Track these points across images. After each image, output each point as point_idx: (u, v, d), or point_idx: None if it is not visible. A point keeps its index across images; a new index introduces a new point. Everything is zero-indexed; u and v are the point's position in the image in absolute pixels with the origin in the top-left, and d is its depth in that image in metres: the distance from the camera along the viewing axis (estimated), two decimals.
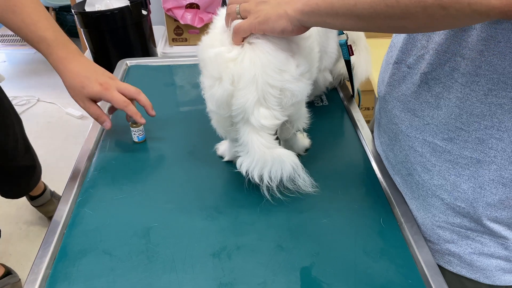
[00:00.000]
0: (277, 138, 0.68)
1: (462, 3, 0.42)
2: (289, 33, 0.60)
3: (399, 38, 0.66)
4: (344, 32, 0.84)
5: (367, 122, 0.91)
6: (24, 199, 1.72)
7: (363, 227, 0.66)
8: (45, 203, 1.73)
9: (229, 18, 0.64)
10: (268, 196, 0.66)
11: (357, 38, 0.92)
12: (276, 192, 0.65)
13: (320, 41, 0.75)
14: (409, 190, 0.68)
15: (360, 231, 0.65)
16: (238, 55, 0.62)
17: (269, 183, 0.64)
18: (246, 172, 0.64)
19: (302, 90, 0.65)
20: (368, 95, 2.04)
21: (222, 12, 0.69)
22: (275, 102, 0.63)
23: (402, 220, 0.66)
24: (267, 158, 0.63)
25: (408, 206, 0.68)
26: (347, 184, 0.74)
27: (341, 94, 1.00)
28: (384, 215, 0.67)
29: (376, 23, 0.52)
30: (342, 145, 0.85)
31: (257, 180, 0.63)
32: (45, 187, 1.74)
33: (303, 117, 0.72)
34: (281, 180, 0.64)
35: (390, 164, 0.73)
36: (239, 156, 0.65)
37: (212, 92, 0.64)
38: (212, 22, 0.71)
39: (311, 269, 0.59)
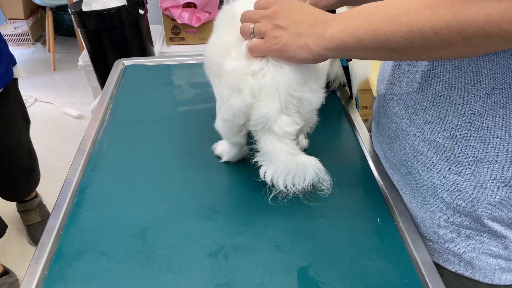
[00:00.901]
0: None
1: (506, 30, 0.41)
2: (308, 61, 0.60)
3: None
4: None
5: (365, 121, 0.90)
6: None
7: (360, 227, 0.66)
8: (28, 209, 1.72)
9: (243, 36, 0.63)
10: (283, 201, 0.68)
11: None
12: (299, 195, 0.67)
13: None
14: (408, 189, 0.67)
15: (357, 230, 0.65)
16: (260, 70, 0.62)
17: (291, 189, 0.65)
18: (271, 181, 0.65)
19: (318, 99, 0.67)
20: (366, 94, 2.04)
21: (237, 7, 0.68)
22: (294, 110, 0.64)
23: (399, 219, 0.66)
24: (292, 166, 0.64)
25: (405, 206, 0.68)
26: (344, 184, 0.74)
27: (339, 94, 1.00)
28: (381, 215, 0.67)
29: (411, 54, 0.50)
30: (339, 144, 0.85)
31: (282, 187, 0.65)
32: (36, 196, 1.74)
33: (313, 122, 0.73)
34: (303, 185, 0.65)
35: (389, 162, 0.73)
36: (261, 165, 0.66)
37: (231, 104, 0.64)
38: (216, 18, 0.71)
39: (308, 269, 0.59)
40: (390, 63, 0.68)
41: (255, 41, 0.61)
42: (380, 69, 0.73)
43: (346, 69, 0.89)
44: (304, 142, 0.82)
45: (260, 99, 0.63)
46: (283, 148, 0.64)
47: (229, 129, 0.70)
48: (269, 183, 0.65)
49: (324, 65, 0.68)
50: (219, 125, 0.72)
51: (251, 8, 0.64)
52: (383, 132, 0.73)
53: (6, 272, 1.53)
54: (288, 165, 0.64)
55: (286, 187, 0.65)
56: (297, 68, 0.62)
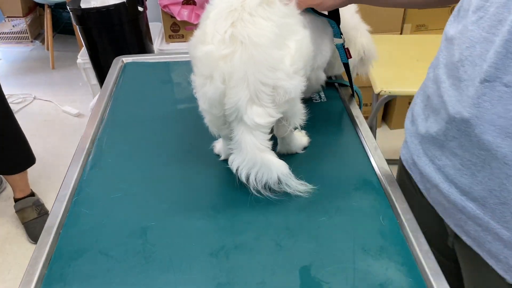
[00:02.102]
0: (273, 136, 0.68)
1: None
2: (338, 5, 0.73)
3: (475, 51, 0.56)
4: (341, 35, 0.83)
5: (366, 118, 0.90)
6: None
7: (362, 225, 0.65)
8: (22, 208, 1.72)
9: None
10: (255, 193, 0.67)
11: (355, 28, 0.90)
12: (263, 192, 0.66)
13: (315, 41, 0.75)
14: (500, 220, 0.59)
15: (359, 229, 0.64)
16: (229, 53, 0.61)
17: (255, 184, 0.64)
18: (236, 170, 0.65)
19: (295, 87, 0.64)
20: (367, 91, 2.03)
21: (215, 1, 0.67)
22: (269, 100, 0.62)
23: (402, 218, 0.65)
24: (257, 161, 0.63)
25: (407, 204, 0.67)
26: (346, 182, 0.73)
27: (340, 91, 0.99)
28: (383, 213, 0.67)
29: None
30: (340, 142, 0.84)
31: (243, 179, 0.64)
32: (30, 194, 1.74)
33: (299, 113, 0.71)
34: (267, 184, 0.65)
35: (459, 190, 0.63)
36: (232, 153, 0.66)
37: (204, 91, 0.64)
38: (204, 12, 0.69)
39: (310, 268, 0.59)
40: (472, 82, 0.57)
41: None
42: (444, 86, 0.63)
43: (346, 66, 0.88)
44: (304, 139, 0.81)
45: (231, 86, 0.61)
46: (252, 141, 0.63)
47: (212, 122, 0.69)
48: (235, 172, 0.65)
49: (302, 48, 0.66)
50: (205, 118, 0.70)
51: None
52: (453, 158, 0.63)
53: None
54: (254, 159, 0.63)
55: (248, 180, 0.64)
56: (268, 48, 0.60)
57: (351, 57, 0.86)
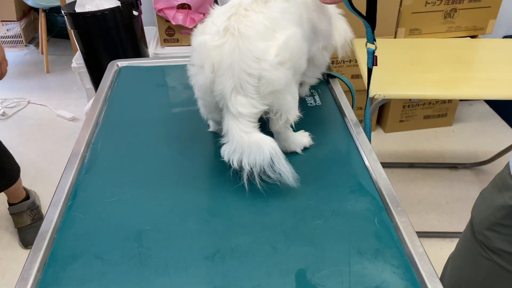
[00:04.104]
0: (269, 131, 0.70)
1: None
2: None
3: None
4: (375, 41, 0.84)
5: (360, 122, 0.90)
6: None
7: (357, 228, 0.65)
8: (16, 213, 1.71)
9: None
10: (246, 184, 0.67)
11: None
12: (258, 180, 0.66)
13: (314, 25, 0.78)
14: None
15: (354, 231, 0.65)
16: (221, 44, 0.64)
17: (250, 171, 0.64)
18: (228, 160, 0.66)
19: (279, 78, 0.65)
20: (360, 95, 2.04)
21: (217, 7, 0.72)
22: (253, 91, 0.64)
23: (397, 220, 0.66)
24: (244, 143, 0.64)
25: (402, 207, 0.68)
26: (341, 185, 0.73)
27: (334, 94, 0.99)
28: (378, 216, 0.67)
29: None
30: (335, 145, 0.85)
31: (236, 166, 0.65)
32: (25, 199, 1.72)
33: (291, 108, 0.71)
34: (262, 168, 0.65)
35: None
36: (224, 143, 0.67)
37: (196, 79, 0.68)
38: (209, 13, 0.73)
39: (306, 271, 0.59)
40: None
41: None
42: None
43: (369, 71, 0.89)
44: (305, 139, 0.80)
45: (219, 74, 0.64)
46: (238, 127, 0.65)
47: (205, 106, 0.74)
48: (227, 162, 0.66)
49: (290, 42, 0.67)
50: (198, 102, 0.74)
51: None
52: None
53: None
54: (241, 142, 0.64)
55: (241, 167, 0.64)
56: (254, 39, 0.63)
57: (376, 64, 0.87)
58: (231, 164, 0.65)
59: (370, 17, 0.81)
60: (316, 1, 0.80)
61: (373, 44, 0.84)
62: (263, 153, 0.64)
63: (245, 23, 0.65)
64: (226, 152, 0.66)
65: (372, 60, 0.87)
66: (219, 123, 0.75)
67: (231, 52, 0.63)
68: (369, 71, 0.89)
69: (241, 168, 0.65)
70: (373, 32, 0.83)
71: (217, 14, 0.70)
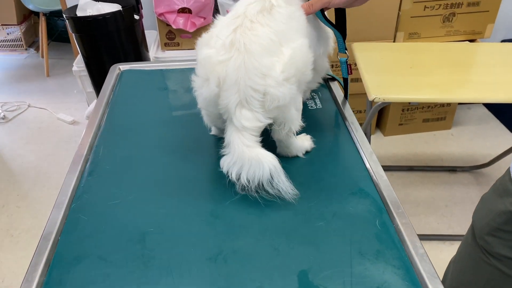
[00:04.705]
0: (269, 138, 0.70)
1: None
2: None
3: None
4: (346, 50, 0.85)
5: (361, 124, 0.91)
6: (14, 206, 1.70)
7: (358, 229, 0.66)
8: None
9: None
10: (240, 192, 0.68)
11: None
12: (254, 193, 0.66)
13: (317, 31, 0.78)
14: None
15: (355, 233, 0.65)
16: (226, 59, 0.64)
17: (247, 184, 0.65)
18: (226, 172, 0.66)
19: (284, 95, 0.65)
20: (360, 98, 2.06)
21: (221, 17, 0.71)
22: (258, 105, 0.65)
23: (398, 222, 0.66)
24: (245, 157, 0.64)
25: (403, 208, 0.69)
26: (342, 187, 0.74)
27: (335, 97, 1.00)
28: (379, 217, 0.68)
29: None
30: (336, 147, 0.85)
31: (234, 179, 0.65)
32: None
33: (295, 119, 0.72)
34: (260, 183, 0.65)
35: None
36: (224, 155, 0.68)
37: (201, 92, 0.68)
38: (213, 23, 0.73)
39: (308, 272, 0.59)
40: None
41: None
42: None
43: (345, 81, 0.91)
44: (306, 143, 0.80)
45: (224, 89, 0.64)
46: (240, 140, 0.65)
47: (208, 116, 0.75)
48: (225, 173, 0.66)
49: (296, 56, 0.67)
50: (202, 111, 0.75)
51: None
52: None
53: None
54: (242, 156, 0.64)
55: (238, 180, 0.65)
56: (260, 55, 0.63)
57: (351, 73, 0.89)
58: (230, 176, 0.65)
59: (340, 27, 0.81)
60: None
61: (345, 53, 0.85)
62: (262, 169, 0.64)
63: (251, 37, 0.64)
64: (226, 164, 0.66)
65: (346, 69, 0.88)
66: (222, 130, 0.75)
67: (237, 68, 0.63)
68: (345, 81, 0.91)
69: (238, 180, 0.65)
70: (344, 42, 0.83)
71: (221, 25, 0.69)
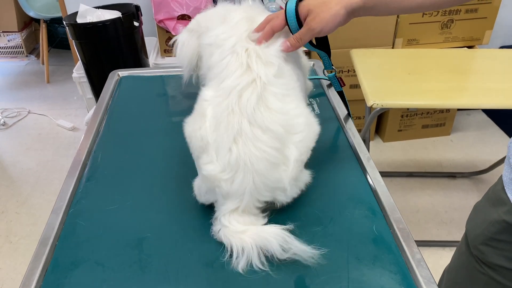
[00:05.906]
0: None
1: None
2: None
3: None
4: (333, 66, 0.85)
5: (359, 131, 0.91)
6: (13, 212, 1.69)
7: (355, 235, 0.66)
8: None
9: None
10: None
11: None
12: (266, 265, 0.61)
13: (299, 68, 0.77)
14: None
15: (353, 238, 0.65)
16: (232, 177, 0.62)
17: (261, 263, 0.60)
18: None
19: (288, 197, 0.67)
20: (359, 105, 2.06)
21: (206, 94, 0.68)
22: (257, 209, 0.65)
23: (395, 227, 0.66)
24: (248, 246, 0.60)
25: (399, 214, 0.69)
26: (340, 193, 0.74)
27: (332, 103, 1.01)
28: (376, 223, 0.68)
29: None
30: (333, 153, 0.86)
31: (243, 268, 0.60)
32: None
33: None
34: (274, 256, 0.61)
35: None
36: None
37: (207, 198, 0.69)
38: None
39: (305, 278, 0.59)
40: None
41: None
42: None
43: (341, 94, 0.91)
44: (305, 175, 0.71)
45: (227, 197, 0.64)
46: (232, 229, 0.63)
47: (200, 195, 0.71)
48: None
49: (302, 155, 0.66)
50: (196, 183, 0.71)
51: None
52: None
53: None
54: (241, 243, 0.61)
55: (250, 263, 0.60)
56: (265, 176, 0.62)
57: (344, 84, 0.89)
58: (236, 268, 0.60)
59: (323, 46, 0.80)
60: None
61: (332, 69, 0.86)
62: (271, 244, 0.60)
63: (254, 152, 0.61)
64: (236, 266, 0.60)
65: (338, 82, 0.89)
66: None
67: (244, 185, 0.62)
68: (341, 94, 0.92)
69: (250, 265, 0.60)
70: (329, 59, 0.83)
71: (215, 117, 0.64)
